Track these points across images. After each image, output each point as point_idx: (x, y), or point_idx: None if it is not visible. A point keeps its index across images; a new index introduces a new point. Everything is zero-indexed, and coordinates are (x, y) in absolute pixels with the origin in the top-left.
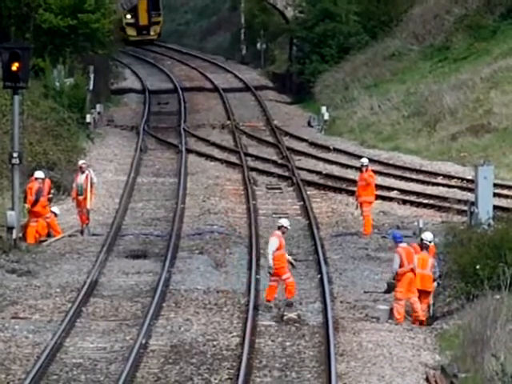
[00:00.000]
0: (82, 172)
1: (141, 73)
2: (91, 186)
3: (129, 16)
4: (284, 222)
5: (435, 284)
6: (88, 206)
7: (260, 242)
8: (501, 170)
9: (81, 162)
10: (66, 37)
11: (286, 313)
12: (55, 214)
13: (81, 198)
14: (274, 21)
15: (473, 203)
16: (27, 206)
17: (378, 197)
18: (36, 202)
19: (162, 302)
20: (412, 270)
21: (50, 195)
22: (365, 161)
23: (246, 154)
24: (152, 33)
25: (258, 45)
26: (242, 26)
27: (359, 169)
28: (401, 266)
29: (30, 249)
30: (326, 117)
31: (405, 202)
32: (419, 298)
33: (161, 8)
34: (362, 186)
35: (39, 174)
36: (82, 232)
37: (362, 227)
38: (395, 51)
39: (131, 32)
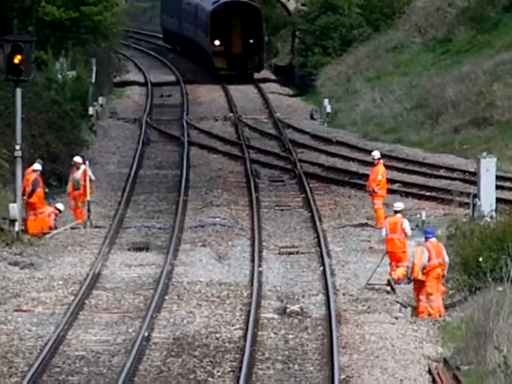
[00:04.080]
0: (78, 168)
1: (143, 65)
2: (90, 181)
3: (217, 42)
4: (400, 205)
5: None
6: (88, 198)
7: (263, 235)
8: (503, 162)
9: (76, 159)
10: (69, 29)
11: (288, 305)
12: (59, 211)
13: (77, 192)
14: (276, 13)
15: (475, 195)
16: (24, 197)
17: None
18: (32, 192)
19: (164, 294)
20: (440, 265)
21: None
22: (375, 154)
23: (249, 147)
24: (250, 65)
25: None
26: None
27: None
28: (429, 259)
29: (33, 241)
30: (329, 109)
31: (407, 194)
32: (421, 288)
33: (263, 30)
34: (374, 179)
35: (37, 165)
36: (84, 225)
37: (375, 220)
38: (397, 44)
39: (221, 64)
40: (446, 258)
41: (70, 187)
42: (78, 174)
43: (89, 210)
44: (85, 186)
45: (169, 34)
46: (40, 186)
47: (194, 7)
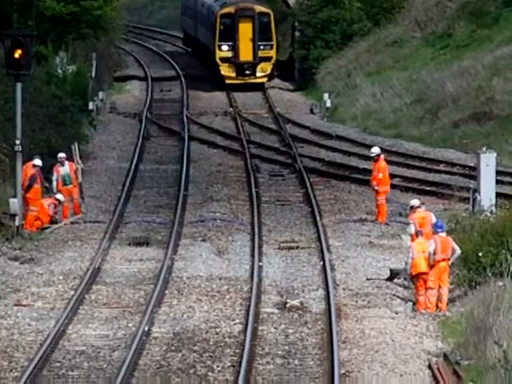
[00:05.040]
0: (62, 164)
1: (143, 60)
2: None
3: (225, 47)
4: (416, 201)
5: None
6: (80, 180)
7: (263, 229)
8: (503, 157)
9: (60, 155)
10: (69, 24)
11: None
12: (59, 201)
13: (70, 186)
14: (276, 7)
15: (475, 190)
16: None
17: None
18: (29, 187)
19: (164, 289)
20: (444, 260)
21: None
22: (374, 151)
23: (249, 142)
24: (259, 73)
25: None
26: None
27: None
28: (434, 253)
29: (33, 236)
30: (329, 104)
31: (407, 189)
32: (422, 282)
33: (273, 36)
34: (375, 176)
35: (37, 161)
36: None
37: (376, 215)
38: (397, 38)
39: (228, 72)
40: (458, 251)
41: (59, 184)
42: (66, 170)
43: (81, 192)
44: (75, 179)
45: (187, 37)
46: (38, 183)
47: (206, 9)
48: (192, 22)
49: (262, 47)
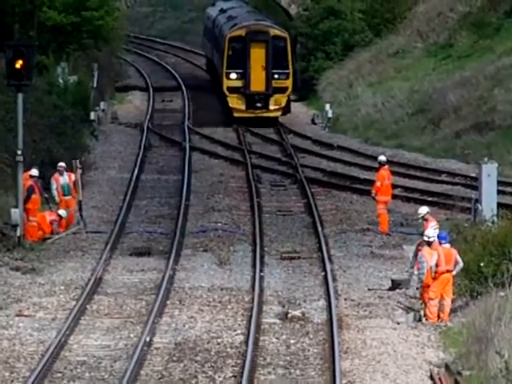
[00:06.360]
0: (61, 174)
1: (144, 70)
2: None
3: (233, 75)
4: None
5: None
6: (80, 198)
7: (264, 240)
8: (504, 167)
9: (61, 164)
10: (70, 34)
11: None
12: (60, 217)
13: (68, 198)
14: (277, 18)
15: (477, 201)
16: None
17: None
18: (27, 198)
19: (166, 299)
20: (448, 271)
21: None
22: (379, 159)
23: (250, 152)
24: (272, 106)
25: None
26: None
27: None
28: (437, 265)
29: (34, 246)
30: (330, 114)
31: (409, 199)
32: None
33: (289, 63)
34: (373, 186)
35: (34, 171)
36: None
37: (379, 225)
38: (399, 49)
39: (236, 104)
40: (461, 263)
41: (59, 194)
42: (65, 179)
43: (80, 209)
44: (74, 191)
45: (208, 62)
46: (36, 193)
47: (219, 30)
48: (210, 46)
49: (276, 76)
